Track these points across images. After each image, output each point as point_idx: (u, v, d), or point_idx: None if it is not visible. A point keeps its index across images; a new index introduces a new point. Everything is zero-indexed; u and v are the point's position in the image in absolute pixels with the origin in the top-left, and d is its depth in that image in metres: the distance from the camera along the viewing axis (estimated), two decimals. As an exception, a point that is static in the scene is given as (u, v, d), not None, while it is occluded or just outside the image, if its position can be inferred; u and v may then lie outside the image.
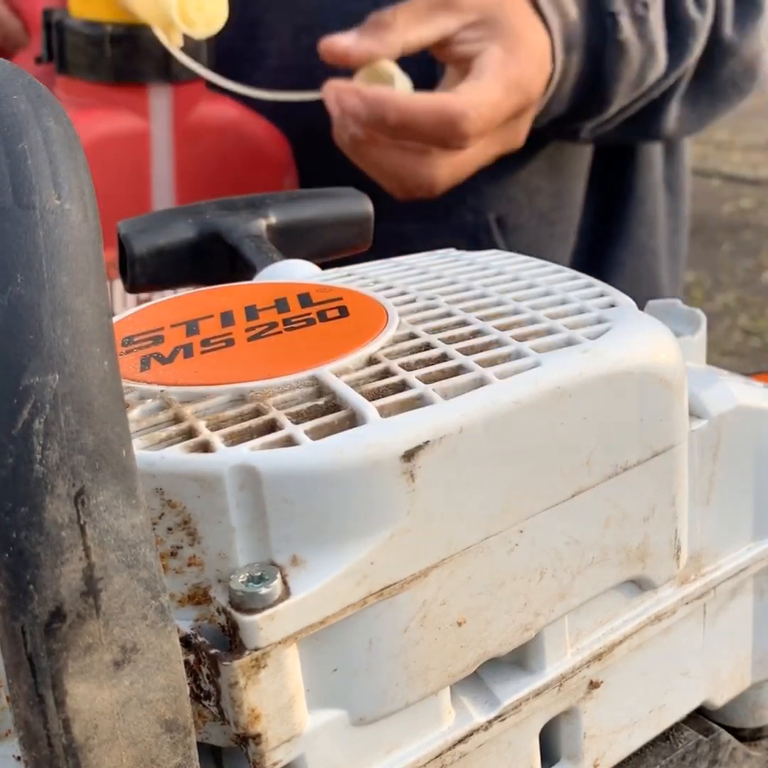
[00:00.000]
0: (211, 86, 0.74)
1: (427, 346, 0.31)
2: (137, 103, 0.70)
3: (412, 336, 0.32)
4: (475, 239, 0.84)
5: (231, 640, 0.25)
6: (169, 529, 0.25)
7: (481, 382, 0.28)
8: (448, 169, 0.70)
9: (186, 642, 0.25)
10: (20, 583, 0.19)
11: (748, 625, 0.38)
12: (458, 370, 0.29)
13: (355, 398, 0.27)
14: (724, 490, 0.35)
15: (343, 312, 0.34)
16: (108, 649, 0.20)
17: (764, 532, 0.37)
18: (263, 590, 0.24)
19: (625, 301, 0.33)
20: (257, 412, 0.28)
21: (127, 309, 0.37)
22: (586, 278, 0.36)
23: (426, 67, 0.73)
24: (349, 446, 0.25)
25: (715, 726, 0.38)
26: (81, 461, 0.20)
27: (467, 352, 0.30)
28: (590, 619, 0.32)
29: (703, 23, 0.78)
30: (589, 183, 0.90)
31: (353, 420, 0.27)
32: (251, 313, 0.34)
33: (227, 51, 0.75)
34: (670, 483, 0.31)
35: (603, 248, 0.92)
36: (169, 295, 0.40)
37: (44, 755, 0.20)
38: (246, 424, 0.27)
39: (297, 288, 0.37)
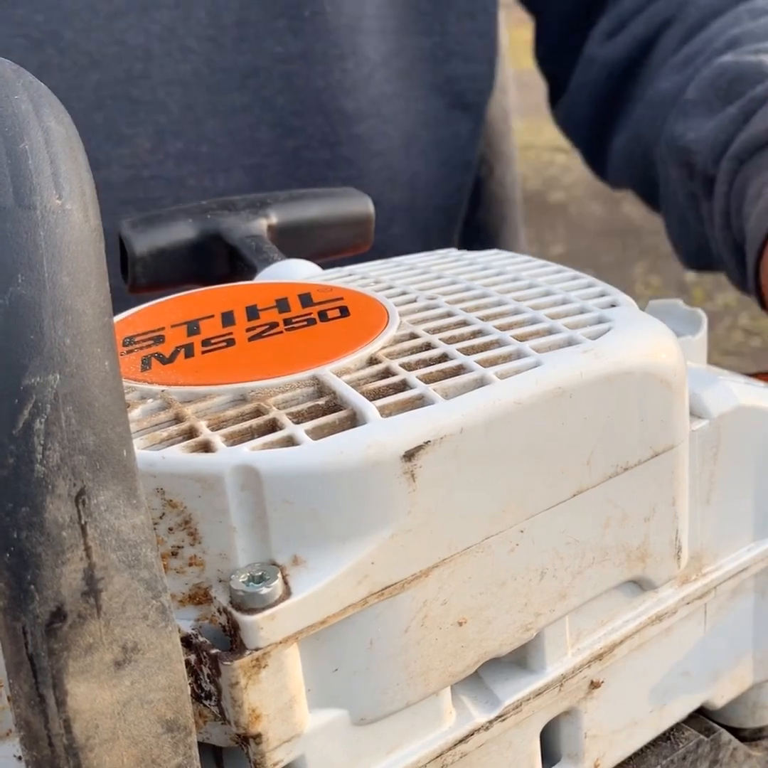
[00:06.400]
0: None
1: (428, 346, 0.31)
2: None
3: (413, 336, 0.32)
4: None
5: (232, 640, 0.25)
6: (170, 529, 0.25)
7: (481, 382, 0.28)
8: None
9: (187, 642, 0.25)
10: (21, 583, 0.19)
11: (749, 626, 0.38)
12: (459, 370, 0.29)
13: (355, 398, 0.27)
14: (725, 490, 0.35)
15: (344, 312, 0.34)
16: (109, 648, 0.20)
17: (765, 532, 0.37)
18: (264, 590, 0.24)
19: (625, 300, 0.33)
20: (258, 412, 0.28)
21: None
22: (587, 278, 0.36)
23: None
24: (349, 446, 0.25)
25: (716, 726, 0.38)
26: (82, 461, 0.20)
27: (468, 352, 0.30)
28: (591, 619, 0.32)
29: None
30: None
31: (354, 420, 0.27)
32: (252, 313, 0.34)
33: None
34: (671, 483, 0.31)
35: None
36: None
37: (45, 755, 0.20)
38: (247, 424, 0.27)
39: (298, 288, 0.37)
